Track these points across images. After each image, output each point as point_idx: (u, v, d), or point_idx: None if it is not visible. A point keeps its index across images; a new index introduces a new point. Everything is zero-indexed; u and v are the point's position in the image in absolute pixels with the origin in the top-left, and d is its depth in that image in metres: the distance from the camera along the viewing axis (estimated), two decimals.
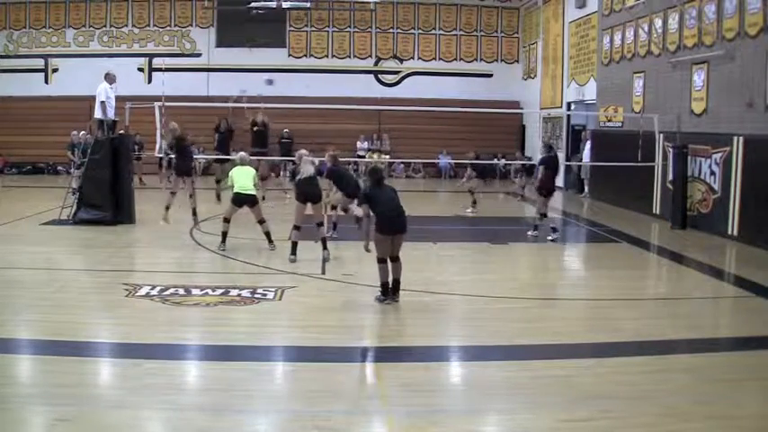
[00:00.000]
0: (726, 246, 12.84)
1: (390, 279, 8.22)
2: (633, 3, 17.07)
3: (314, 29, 27.37)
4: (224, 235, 11.41)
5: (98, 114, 13.99)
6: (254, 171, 11.86)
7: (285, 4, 25.07)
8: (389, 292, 8.23)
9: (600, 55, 19.73)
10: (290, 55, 27.26)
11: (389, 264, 8.22)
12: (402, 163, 26.59)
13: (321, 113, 23.68)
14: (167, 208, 13.65)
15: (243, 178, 11.52)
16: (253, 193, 11.58)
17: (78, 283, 9.40)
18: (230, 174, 11.72)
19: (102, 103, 13.86)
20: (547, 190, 13.07)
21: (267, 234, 11.51)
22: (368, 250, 8.38)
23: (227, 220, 11.48)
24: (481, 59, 27.97)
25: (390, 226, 8.16)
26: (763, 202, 12.27)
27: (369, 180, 8.69)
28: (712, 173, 13.91)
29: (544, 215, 13.14)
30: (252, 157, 14.20)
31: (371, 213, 8.21)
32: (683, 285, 10.12)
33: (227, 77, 26.10)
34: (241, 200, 11.48)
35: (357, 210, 10.11)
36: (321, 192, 10.89)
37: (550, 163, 13.23)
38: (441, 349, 7.03)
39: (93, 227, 13.15)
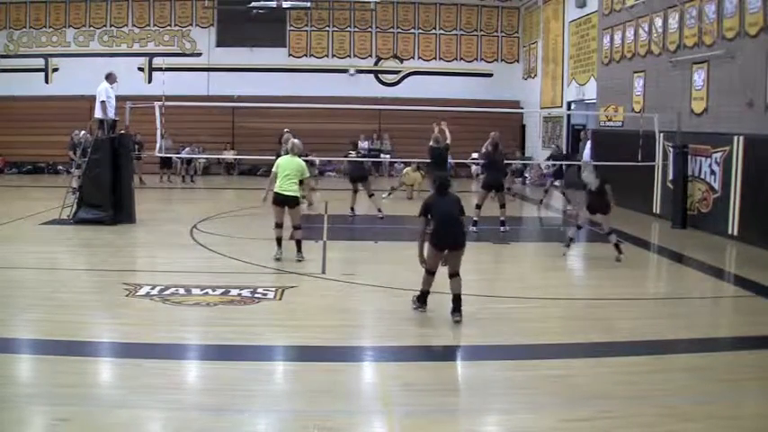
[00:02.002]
0: (726, 245, 12.83)
1: (451, 296, 7.62)
2: (633, 2, 17.07)
3: (314, 29, 27.37)
4: (278, 240, 10.42)
5: (98, 114, 14.00)
6: (302, 165, 10.35)
7: (285, 4, 25.10)
8: (426, 301, 7.76)
9: (600, 54, 19.72)
10: (290, 55, 27.27)
11: (448, 280, 7.63)
12: (403, 162, 26.56)
13: (321, 113, 23.68)
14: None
15: (285, 174, 10.15)
16: (293, 194, 10.20)
17: (78, 283, 9.39)
18: (276, 163, 10.42)
19: (103, 102, 13.86)
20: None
21: (298, 242, 10.41)
22: (422, 264, 7.70)
23: (278, 225, 10.38)
24: (481, 59, 27.97)
25: (440, 239, 7.51)
26: (763, 202, 12.27)
27: (432, 187, 8.08)
28: (712, 172, 13.91)
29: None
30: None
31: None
32: (683, 285, 10.11)
33: (228, 77, 26.12)
34: (280, 200, 10.26)
35: None
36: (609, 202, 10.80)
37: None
38: (441, 349, 7.04)
39: (93, 227, 13.14)
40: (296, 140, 10.78)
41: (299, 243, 10.43)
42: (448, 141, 14.56)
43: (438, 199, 7.65)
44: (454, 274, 7.58)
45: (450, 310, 7.57)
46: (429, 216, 7.60)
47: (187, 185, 22.72)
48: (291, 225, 10.45)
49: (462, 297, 7.55)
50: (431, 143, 14.82)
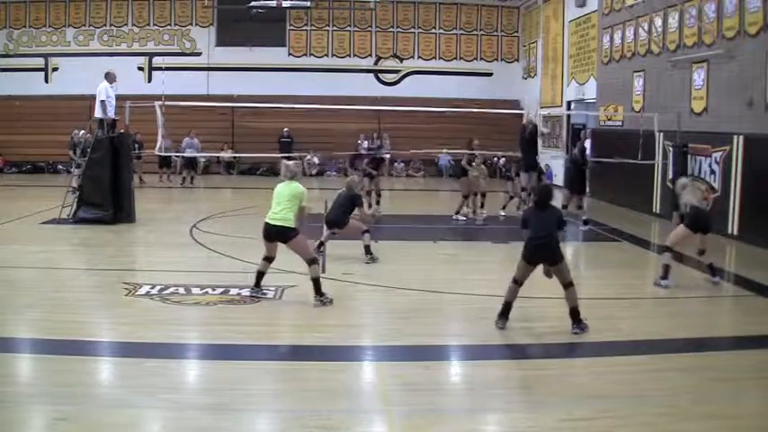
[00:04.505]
0: (726, 245, 12.82)
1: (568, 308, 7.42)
2: (633, 2, 17.07)
3: (314, 28, 27.38)
4: (258, 275, 8.51)
5: (98, 113, 13.99)
6: (299, 191, 8.18)
7: (285, 4, 25.09)
8: (508, 314, 7.43)
9: (600, 54, 19.72)
10: (290, 54, 27.27)
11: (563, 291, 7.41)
12: (402, 162, 26.62)
13: (321, 113, 23.67)
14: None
15: (276, 202, 8.24)
16: (283, 224, 8.08)
17: (78, 283, 9.39)
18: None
19: (103, 102, 13.86)
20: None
21: (315, 281, 8.17)
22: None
23: (266, 258, 8.46)
24: (481, 58, 28.00)
25: (528, 253, 7.37)
26: (763, 202, 12.26)
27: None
28: (712, 172, 13.91)
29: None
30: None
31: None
32: (682, 284, 10.10)
33: (227, 77, 26.12)
34: (267, 232, 8.26)
35: None
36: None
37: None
38: (441, 349, 7.03)
39: (93, 226, 13.14)
40: (289, 163, 8.69)
41: (316, 283, 8.17)
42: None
43: (534, 212, 7.55)
44: (565, 285, 7.40)
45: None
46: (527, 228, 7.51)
47: (187, 186, 22.63)
48: (305, 261, 8.25)
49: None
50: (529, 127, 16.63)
